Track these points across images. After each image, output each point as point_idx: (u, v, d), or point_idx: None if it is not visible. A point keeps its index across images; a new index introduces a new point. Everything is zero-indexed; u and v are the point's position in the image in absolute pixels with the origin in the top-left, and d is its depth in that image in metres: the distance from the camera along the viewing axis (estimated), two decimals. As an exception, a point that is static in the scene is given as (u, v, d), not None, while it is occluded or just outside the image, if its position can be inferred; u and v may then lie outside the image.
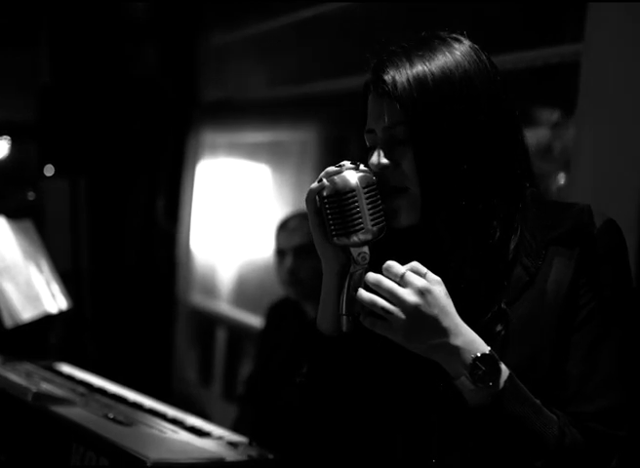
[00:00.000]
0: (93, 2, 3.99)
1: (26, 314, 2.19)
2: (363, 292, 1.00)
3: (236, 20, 3.89)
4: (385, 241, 1.07)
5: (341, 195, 1.01)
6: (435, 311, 0.98)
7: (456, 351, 0.99)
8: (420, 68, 1.06)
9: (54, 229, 4.57)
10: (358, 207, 1.01)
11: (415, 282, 0.98)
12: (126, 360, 4.21)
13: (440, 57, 1.07)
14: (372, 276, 1.00)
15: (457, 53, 1.08)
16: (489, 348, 1.01)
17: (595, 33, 2.04)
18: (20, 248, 2.33)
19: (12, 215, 2.44)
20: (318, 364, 1.12)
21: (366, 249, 1.03)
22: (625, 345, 1.08)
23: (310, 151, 3.46)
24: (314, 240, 1.06)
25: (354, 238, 1.02)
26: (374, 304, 0.98)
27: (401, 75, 1.06)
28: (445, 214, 1.06)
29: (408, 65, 1.06)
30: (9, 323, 2.13)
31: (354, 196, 1.01)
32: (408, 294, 0.98)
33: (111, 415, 1.62)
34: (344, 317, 1.03)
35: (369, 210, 1.02)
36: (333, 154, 3.31)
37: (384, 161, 1.07)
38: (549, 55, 2.22)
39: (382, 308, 0.98)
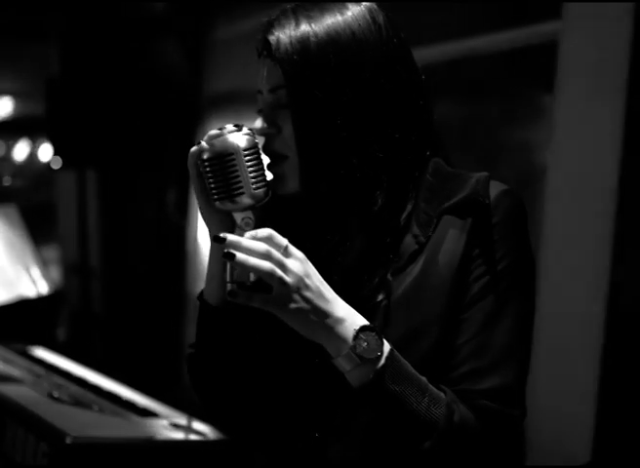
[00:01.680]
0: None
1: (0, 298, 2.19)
2: (255, 260, 0.90)
3: (243, 13, 3.88)
4: (273, 208, 1.02)
5: (221, 158, 0.96)
6: (317, 282, 0.93)
7: (338, 323, 0.93)
8: (304, 29, 1.00)
9: (64, 222, 4.64)
10: (238, 170, 0.96)
11: (297, 253, 0.92)
12: (134, 353, 4.23)
13: (328, 17, 1.01)
14: (262, 246, 0.91)
15: (348, 13, 1.01)
16: (367, 321, 0.95)
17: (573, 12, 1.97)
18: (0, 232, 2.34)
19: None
20: (205, 335, 1.08)
21: (250, 214, 0.98)
22: (520, 322, 1.01)
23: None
24: (198, 206, 1.01)
25: (236, 201, 0.97)
26: (271, 274, 0.90)
27: (285, 36, 1.00)
28: (323, 183, 1.01)
29: (294, 26, 1.00)
30: (-20, 306, 2.14)
31: (233, 159, 0.96)
32: (295, 266, 0.91)
33: (56, 395, 1.60)
34: (229, 285, 0.98)
35: (250, 173, 0.96)
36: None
37: (262, 126, 1.03)
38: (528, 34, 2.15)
39: (280, 278, 0.89)
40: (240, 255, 0.89)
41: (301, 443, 1.05)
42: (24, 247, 2.43)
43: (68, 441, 1.29)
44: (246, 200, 0.97)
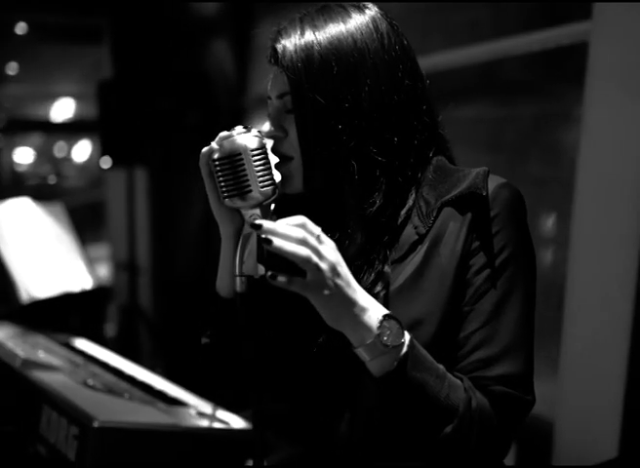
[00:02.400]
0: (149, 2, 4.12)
1: (43, 291, 2.29)
2: (292, 246, 0.91)
3: (284, 17, 3.96)
4: (280, 207, 1.08)
5: (230, 158, 1.02)
6: (346, 271, 0.96)
7: (363, 311, 0.95)
8: (308, 38, 1.05)
9: (114, 220, 4.78)
10: (245, 169, 1.01)
11: (329, 241, 0.96)
12: (179, 347, 4.33)
13: (332, 26, 1.06)
14: (299, 232, 0.93)
15: (351, 22, 1.06)
16: (386, 310, 0.98)
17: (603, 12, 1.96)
18: (45, 228, 2.45)
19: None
20: (219, 325, 1.13)
21: (257, 211, 1.03)
22: (525, 310, 1.04)
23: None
24: (210, 203, 1.07)
25: (244, 199, 1.02)
26: (308, 260, 0.92)
27: (290, 44, 1.06)
28: (323, 183, 1.05)
29: (299, 35, 1.06)
30: (25, 298, 2.25)
31: (241, 159, 1.01)
32: (329, 252, 0.94)
33: (90, 383, 1.69)
34: (238, 278, 1.04)
35: (257, 172, 1.02)
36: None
37: (266, 130, 1.09)
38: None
39: (315, 265, 0.92)
40: (277, 241, 0.91)
41: (318, 430, 1.10)
42: (70, 243, 2.54)
43: (96, 425, 1.36)
44: (254, 197, 1.03)
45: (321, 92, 1.03)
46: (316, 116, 1.04)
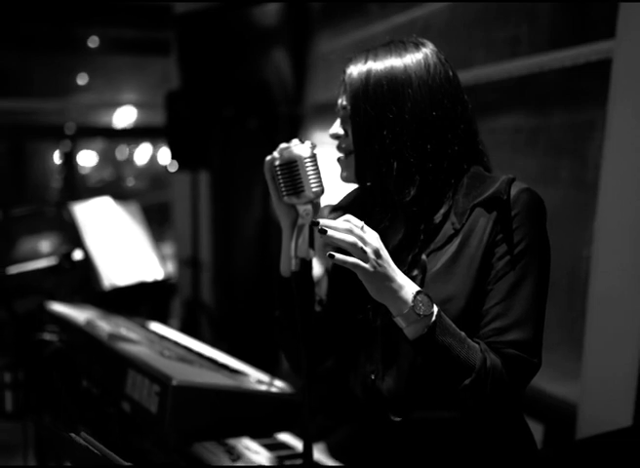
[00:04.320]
0: (212, 19, 4.40)
1: (122, 280, 2.60)
2: (341, 234, 1.16)
3: (339, 28, 4.21)
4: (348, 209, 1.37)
5: (288, 164, 1.29)
6: (387, 254, 1.21)
7: (401, 288, 1.20)
8: (369, 65, 1.33)
9: (179, 220, 5.09)
10: (300, 173, 1.28)
11: (371, 231, 1.21)
12: (239, 339, 4.61)
13: (389, 56, 1.34)
14: (345, 224, 1.18)
15: (405, 54, 1.33)
16: (419, 287, 1.22)
17: (627, 30, 2.16)
18: (123, 224, 2.76)
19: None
20: (283, 298, 1.41)
21: (309, 206, 1.31)
22: (537, 291, 1.27)
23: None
24: (273, 201, 1.35)
25: (299, 197, 1.29)
26: (355, 245, 1.17)
27: (356, 69, 1.34)
28: (370, 177, 1.32)
29: (363, 62, 1.34)
30: (106, 286, 2.56)
31: (296, 165, 1.28)
32: (373, 239, 1.19)
33: (166, 353, 1.97)
34: (294, 260, 1.31)
35: (309, 176, 1.29)
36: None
37: (335, 131, 1.36)
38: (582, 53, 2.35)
39: (361, 248, 1.16)
40: (330, 231, 1.17)
41: (362, 384, 1.36)
42: (144, 238, 2.84)
43: (174, 383, 1.64)
44: (306, 196, 1.30)
45: (372, 104, 1.31)
46: (367, 122, 1.31)
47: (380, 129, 1.30)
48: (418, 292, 1.20)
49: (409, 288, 1.21)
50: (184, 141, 4.28)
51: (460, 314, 1.26)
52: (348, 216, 1.21)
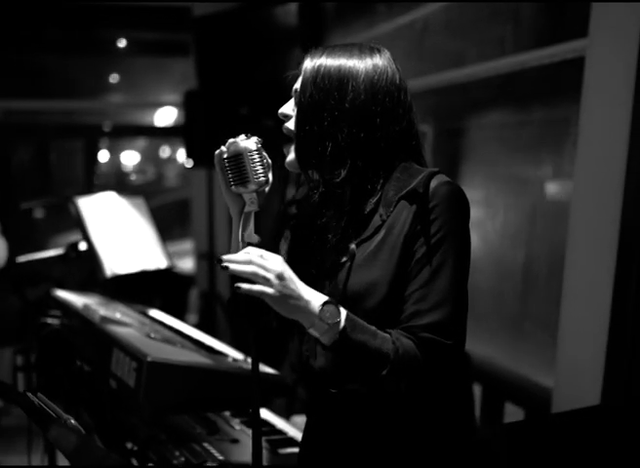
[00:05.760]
0: (228, 22, 4.54)
1: (123, 268, 2.76)
2: (241, 266, 1.27)
3: (349, 28, 4.33)
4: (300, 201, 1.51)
5: (235, 157, 1.41)
6: (291, 275, 1.31)
7: (308, 303, 1.30)
8: (323, 60, 1.44)
9: (196, 216, 5.25)
10: (245, 165, 1.40)
11: (273, 256, 1.31)
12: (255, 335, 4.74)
13: (342, 54, 1.44)
14: (244, 256, 1.29)
15: (360, 55, 1.43)
16: (326, 297, 1.33)
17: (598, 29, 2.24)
18: (127, 216, 2.92)
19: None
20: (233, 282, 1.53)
21: (254, 195, 1.43)
22: (455, 277, 1.36)
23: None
24: (222, 189, 1.47)
25: (245, 186, 1.42)
26: (256, 274, 1.27)
27: (311, 61, 1.45)
28: (308, 159, 1.43)
29: (320, 55, 1.45)
30: (108, 273, 2.72)
31: (242, 158, 1.40)
32: (274, 265, 1.29)
33: (153, 335, 2.12)
34: (241, 243, 1.43)
35: (254, 167, 1.41)
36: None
37: (283, 110, 1.48)
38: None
39: (263, 276, 1.27)
40: (231, 265, 1.28)
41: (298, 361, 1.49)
42: (149, 230, 3.00)
43: (149, 359, 1.78)
44: (251, 185, 1.42)
45: (317, 89, 1.41)
46: (310, 104, 1.42)
47: (321, 112, 1.40)
48: (324, 304, 1.30)
49: (315, 301, 1.30)
50: (202, 139, 4.41)
51: (383, 299, 1.37)
52: (249, 248, 1.32)
